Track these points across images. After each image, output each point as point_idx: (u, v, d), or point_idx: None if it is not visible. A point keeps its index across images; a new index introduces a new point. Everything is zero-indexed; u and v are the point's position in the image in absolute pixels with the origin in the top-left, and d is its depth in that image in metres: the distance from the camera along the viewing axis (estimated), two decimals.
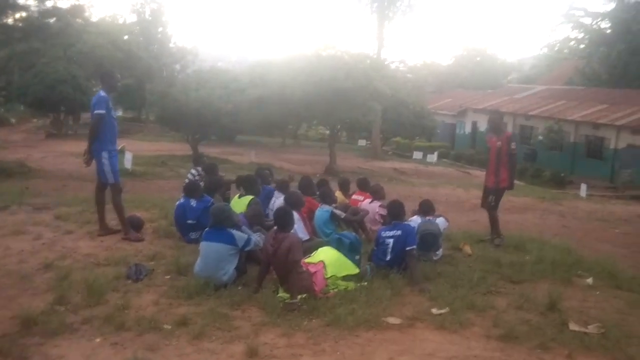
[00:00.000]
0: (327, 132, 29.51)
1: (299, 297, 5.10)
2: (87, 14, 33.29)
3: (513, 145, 7.81)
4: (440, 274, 6.19)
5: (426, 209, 7.15)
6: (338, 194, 8.61)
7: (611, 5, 41.87)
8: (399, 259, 6.02)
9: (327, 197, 7.74)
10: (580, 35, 55.10)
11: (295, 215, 6.21)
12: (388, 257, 6.08)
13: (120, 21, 44.48)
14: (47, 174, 16.08)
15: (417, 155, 34.09)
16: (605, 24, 44.90)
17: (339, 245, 6.21)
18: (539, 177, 27.94)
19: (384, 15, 34.82)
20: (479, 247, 7.60)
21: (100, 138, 6.95)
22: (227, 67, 31.25)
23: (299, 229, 6.67)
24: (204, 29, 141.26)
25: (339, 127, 26.34)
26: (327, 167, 23.53)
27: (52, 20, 23.25)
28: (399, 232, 6.10)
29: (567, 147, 31.11)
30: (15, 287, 5.40)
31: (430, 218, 7.00)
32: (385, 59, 37.31)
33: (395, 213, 6.38)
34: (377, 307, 5.08)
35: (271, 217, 7.41)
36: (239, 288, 5.50)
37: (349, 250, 6.15)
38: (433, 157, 32.84)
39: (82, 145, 7.35)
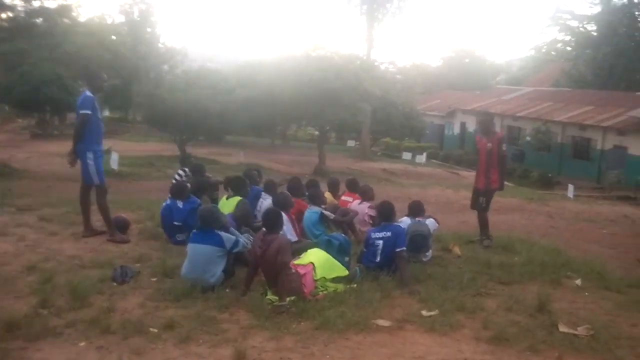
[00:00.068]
0: (316, 132, 29.47)
1: (288, 299, 5.04)
2: (74, 14, 33.02)
3: (504, 147, 7.80)
4: (430, 275, 6.15)
5: (416, 210, 7.11)
6: (327, 195, 8.56)
7: (597, 9, 42.29)
8: (389, 260, 5.97)
9: (316, 198, 7.68)
10: (567, 38, 55.49)
11: (284, 216, 6.16)
12: (378, 259, 6.04)
13: (109, 21, 44.05)
14: (32, 174, 15.91)
15: (406, 155, 34.15)
16: (591, 27, 45.28)
17: (328, 246, 6.16)
18: (526, 178, 28.12)
19: (373, 16, 34.93)
20: (468, 248, 7.59)
21: (85, 138, 6.85)
22: (216, 68, 31.10)
23: (288, 231, 6.61)
24: (194, 29, 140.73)
25: (328, 127, 26.30)
26: (316, 167, 23.50)
27: (39, 21, 23.02)
28: (388, 234, 6.05)
29: (555, 148, 31.35)
30: None
31: (420, 219, 6.97)
32: (375, 60, 37.33)
33: (385, 214, 6.34)
34: (367, 309, 5.03)
35: (259, 218, 7.37)
36: (227, 290, 5.43)
37: (339, 251, 6.11)
38: (422, 158, 32.91)
39: (67, 146, 7.24)
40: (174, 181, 9.24)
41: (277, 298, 5.08)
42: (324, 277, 5.49)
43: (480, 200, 7.98)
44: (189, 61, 42.26)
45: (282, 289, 5.08)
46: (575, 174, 28.42)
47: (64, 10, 26.73)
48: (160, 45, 44.76)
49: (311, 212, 7.46)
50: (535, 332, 4.70)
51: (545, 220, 12.55)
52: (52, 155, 20.56)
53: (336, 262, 5.75)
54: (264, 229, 5.57)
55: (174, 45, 45.64)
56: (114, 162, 16.23)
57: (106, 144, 8.02)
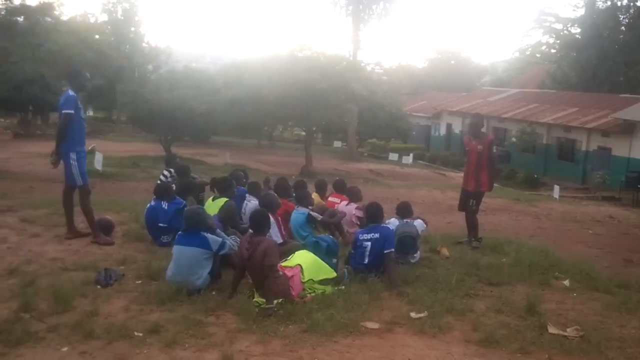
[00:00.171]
0: (303, 133, 29.40)
1: (275, 302, 4.97)
2: (56, 12, 32.72)
3: (495, 150, 7.79)
4: (419, 277, 6.12)
5: (404, 211, 7.07)
6: (315, 196, 8.51)
7: (581, 12, 42.78)
8: (377, 262, 5.93)
9: (303, 199, 7.62)
10: (551, 40, 56.18)
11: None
12: (366, 261, 5.98)
13: (92, 20, 43.75)
14: (13, 175, 15.65)
15: (393, 156, 34.22)
16: (575, 30, 45.82)
17: (315, 248, 6.10)
18: (512, 179, 28.29)
19: (359, 18, 35.01)
20: (456, 249, 7.57)
21: (68, 138, 6.72)
22: (201, 68, 30.94)
23: (273, 232, 6.52)
24: (178, 29, 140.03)
25: (314, 128, 26.26)
26: (303, 168, 23.44)
27: (20, 19, 22.73)
28: (376, 235, 6.01)
29: (540, 149, 31.59)
30: None
31: (408, 220, 6.93)
32: (361, 61, 37.39)
33: (373, 215, 6.29)
34: (356, 311, 4.98)
35: (244, 220, 7.29)
36: (213, 293, 5.35)
37: (326, 253, 6.05)
38: (409, 159, 33.00)
39: (50, 146, 7.13)
40: (159, 182, 9.14)
41: (264, 301, 5.01)
42: (312, 279, 5.43)
43: (471, 203, 7.96)
44: (173, 61, 42.03)
45: (269, 292, 5.00)
46: (561, 174, 28.66)
47: (45, 9, 26.44)
48: (144, 44, 44.40)
49: (298, 213, 7.39)
50: (525, 334, 4.68)
51: (532, 221, 12.60)
52: (34, 155, 20.26)
53: (324, 263, 5.69)
54: (250, 230, 5.49)
55: (158, 45, 45.29)
56: (97, 162, 16.05)
57: (89, 144, 7.88)
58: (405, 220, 6.94)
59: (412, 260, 6.64)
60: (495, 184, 8.21)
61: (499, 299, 5.53)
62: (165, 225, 7.01)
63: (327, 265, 5.69)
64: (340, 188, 8.70)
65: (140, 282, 5.69)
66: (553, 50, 55.50)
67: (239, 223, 7.19)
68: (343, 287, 5.55)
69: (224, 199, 7.36)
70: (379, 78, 50.99)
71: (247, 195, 7.93)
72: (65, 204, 7.06)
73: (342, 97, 21.41)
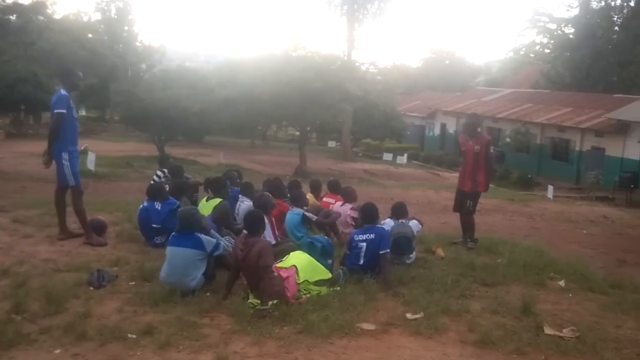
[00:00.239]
0: (297, 133, 29.39)
1: (270, 303, 4.94)
2: (49, 11, 32.53)
3: (492, 150, 7.75)
4: (414, 277, 6.09)
5: (399, 212, 7.04)
6: (309, 197, 8.47)
7: (575, 12, 42.92)
8: (373, 263, 5.90)
9: (298, 200, 7.57)
10: (545, 40, 56.35)
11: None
12: (361, 261, 5.96)
13: (85, 19, 43.53)
14: (5, 175, 15.56)
15: (387, 156, 34.25)
16: (569, 30, 45.97)
17: (310, 249, 6.07)
18: (506, 179, 28.34)
19: (354, 17, 35.01)
20: (451, 250, 7.54)
21: (60, 138, 6.66)
22: (194, 67, 30.85)
23: (267, 234, 6.48)
24: (172, 28, 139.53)
25: (309, 128, 26.23)
26: (297, 168, 23.42)
27: (12, 17, 22.59)
28: (372, 236, 5.98)
29: (534, 149, 31.69)
30: None
31: (404, 221, 6.90)
32: (356, 61, 37.39)
33: (368, 216, 6.27)
34: (351, 312, 4.96)
35: (237, 221, 7.25)
36: (207, 295, 5.31)
37: (321, 254, 6.02)
38: (403, 159, 33.02)
39: (42, 146, 7.07)
40: (152, 182, 9.08)
41: (259, 302, 4.97)
42: (307, 280, 5.39)
43: (468, 204, 7.91)
44: (167, 60, 41.87)
45: (264, 293, 4.97)
46: (554, 174, 28.76)
47: (38, 7, 26.27)
48: (137, 43, 44.20)
49: (293, 213, 7.35)
50: (521, 335, 4.66)
51: (527, 221, 12.63)
52: (26, 155, 20.15)
53: (319, 264, 5.66)
54: (245, 231, 5.45)
55: (151, 44, 45.10)
56: (90, 162, 15.97)
57: (82, 143, 7.82)
58: (400, 220, 6.91)
59: (408, 261, 6.61)
60: (490, 185, 8.18)
61: (494, 300, 5.52)
62: (158, 226, 6.96)
63: (322, 266, 5.65)
64: (335, 188, 8.66)
65: (133, 283, 5.65)
66: (547, 50, 55.68)
67: (233, 224, 7.15)
68: (338, 288, 5.52)
69: (218, 200, 7.32)
70: (374, 78, 51.03)
71: (240, 196, 7.88)
72: (57, 204, 6.99)
73: (336, 97, 21.40)
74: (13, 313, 4.72)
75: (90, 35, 38.46)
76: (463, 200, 7.95)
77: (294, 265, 5.39)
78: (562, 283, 6.22)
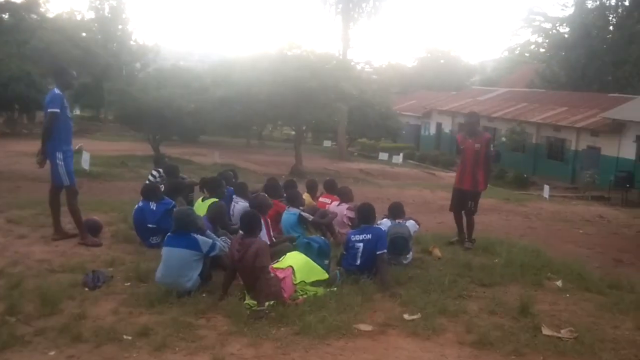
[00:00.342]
0: (293, 132, 29.36)
1: (267, 304, 4.90)
2: (42, 9, 32.39)
3: (492, 148, 7.73)
4: (411, 278, 6.07)
5: (396, 212, 7.02)
6: (306, 196, 8.44)
7: (570, 11, 43.01)
8: (370, 263, 5.87)
9: (294, 200, 7.55)
10: (540, 40, 56.46)
11: None
12: (358, 262, 5.93)
13: (78, 18, 43.35)
14: None
15: (383, 156, 34.25)
16: (563, 29, 46.06)
17: (307, 249, 6.02)
18: (502, 178, 28.37)
19: (349, 16, 34.95)
20: (448, 250, 7.52)
21: (54, 138, 6.61)
22: (189, 66, 30.76)
23: (261, 234, 6.44)
24: (166, 27, 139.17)
25: (304, 127, 26.20)
26: (293, 168, 23.39)
27: (5, 16, 22.44)
28: (369, 236, 5.95)
29: (529, 148, 31.75)
30: None
31: (400, 221, 6.87)
32: (351, 60, 37.34)
33: (365, 216, 6.24)
34: (348, 313, 4.92)
35: (233, 221, 7.21)
36: (203, 295, 5.28)
37: (318, 254, 5.97)
38: (398, 158, 33.03)
39: (36, 145, 7.02)
40: (147, 182, 9.03)
41: (255, 303, 4.94)
42: (304, 281, 5.36)
43: (469, 204, 7.87)
44: (161, 59, 41.77)
45: (260, 294, 4.94)
46: (550, 174, 28.82)
47: (31, 6, 26.13)
48: (131, 42, 44.06)
49: (289, 213, 7.33)
50: (519, 335, 4.64)
51: (523, 221, 12.63)
52: (20, 154, 20.05)
53: (316, 265, 5.62)
54: (241, 231, 5.42)
55: (145, 43, 44.96)
56: (85, 162, 15.89)
57: (76, 143, 7.77)
58: (397, 220, 6.89)
59: (405, 261, 6.58)
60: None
61: (492, 300, 5.49)
62: (154, 226, 6.91)
63: (319, 267, 5.62)
64: (331, 188, 8.64)
65: (129, 284, 5.61)
66: (542, 50, 55.79)
67: (229, 223, 7.11)
68: (335, 288, 5.49)
69: (214, 200, 7.27)
70: (369, 77, 51.02)
71: (234, 196, 7.84)
72: (51, 204, 6.94)
73: (331, 96, 21.37)
74: (7, 314, 4.67)
75: (84, 34, 38.30)
76: (461, 199, 7.92)
77: (291, 266, 5.36)
78: (559, 283, 6.20)
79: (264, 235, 6.42)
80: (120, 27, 43.13)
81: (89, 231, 7.01)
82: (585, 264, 7.50)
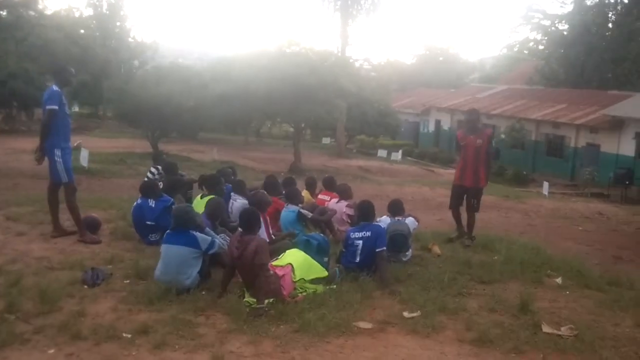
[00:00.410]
0: (291, 129, 29.32)
1: (266, 301, 4.90)
2: (40, 6, 32.27)
3: (493, 144, 7.70)
4: (411, 275, 6.06)
5: (396, 209, 7.00)
6: (305, 194, 8.42)
7: (569, 8, 42.94)
8: (369, 260, 5.86)
9: (293, 197, 7.53)
10: (539, 37, 56.36)
11: None
12: (357, 259, 5.92)
13: (76, 15, 43.16)
14: None
15: (382, 153, 34.21)
16: (562, 26, 45.97)
17: (306, 246, 6.02)
18: (501, 175, 28.35)
19: (347, 13, 34.81)
20: (447, 247, 7.51)
21: (52, 135, 6.59)
22: (188, 63, 30.67)
23: (260, 232, 6.42)
24: (164, 24, 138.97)
25: (303, 124, 26.15)
26: (291, 165, 23.35)
27: (3, 13, 22.35)
28: (368, 233, 5.94)
29: (529, 145, 31.72)
30: None
31: (400, 218, 6.86)
32: (350, 57, 37.25)
33: (365, 214, 6.23)
34: (347, 311, 4.92)
35: (231, 219, 7.19)
36: (203, 293, 5.26)
37: (317, 252, 5.97)
38: (397, 155, 32.99)
39: (35, 142, 7.00)
40: (146, 179, 9.01)
41: (255, 300, 4.93)
42: (303, 279, 5.36)
43: (472, 202, 7.84)
44: (160, 57, 41.61)
45: (260, 291, 4.92)
46: (549, 171, 28.84)
47: (29, 3, 26.02)
48: (130, 39, 43.93)
49: (288, 211, 7.32)
50: (518, 333, 4.64)
51: (522, 218, 12.64)
52: (19, 151, 20.02)
53: (315, 262, 5.62)
54: (240, 229, 5.40)
55: (144, 40, 44.83)
56: (83, 159, 15.88)
57: (75, 140, 7.74)
58: (396, 218, 6.88)
59: (404, 259, 6.58)
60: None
61: (491, 298, 5.49)
62: (152, 223, 6.90)
63: (318, 264, 5.62)
64: (330, 185, 8.62)
65: (128, 281, 5.59)
66: (541, 47, 55.68)
67: (228, 221, 7.09)
68: (334, 286, 5.48)
69: (212, 197, 7.25)
70: (368, 74, 50.92)
71: (232, 194, 7.82)
72: (50, 201, 6.92)
73: (330, 93, 21.32)
74: (6, 312, 4.65)
75: (82, 31, 38.11)
76: (461, 195, 7.89)
77: (290, 264, 5.35)
78: (559, 280, 6.20)
79: (263, 233, 6.41)
80: (118, 24, 43.00)
81: (88, 228, 6.98)
82: (585, 261, 7.50)
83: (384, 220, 6.76)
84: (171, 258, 5.35)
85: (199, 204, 7.15)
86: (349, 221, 7.57)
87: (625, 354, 4.38)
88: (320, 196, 8.56)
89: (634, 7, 36.15)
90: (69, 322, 4.49)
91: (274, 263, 5.33)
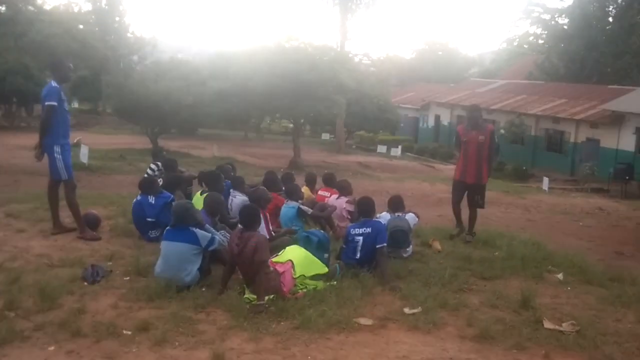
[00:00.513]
0: (291, 125, 29.30)
1: (267, 298, 4.88)
2: (39, 1, 32.16)
3: (497, 140, 7.67)
4: (411, 271, 6.05)
5: (396, 205, 6.99)
6: (305, 190, 8.40)
7: (569, 2, 42.81)
8: (369, 257, 5.85)
9: (293, 193, 7.51)
10: (539, 31, 56.23)
11: None
12: (358, 255, 5.90)
13: (75, 10, 43.08)
14: None
15: (381, 149, 34.21)
16: (562, 20, 45.89)
17: (306, 243, 6.00)
18: (501, 171, 28.30)
19: (346, 7, 34.80)
20: (448, 243, 7.50)
21: (51, 131, 6.55)
22: (187, 59, 30.63)
23: (260, 229, 6.41)
24: (163, 19, 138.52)
25: (302, 120, 26.12)
26: (291, 161, 23.33)
27: (1, 8, 22.26)
28: (368, 230, 5.92)
29: (528, 140, 31.69)
30: None
31: (400, 214, 6.84)
32: (349, 52, 37.19)
33: (365, 210, 6.21)
34: (348, 307, 4.91)
35: (231, 215, 7.17)
36: (203, 290, 5.25)
37: (317, 248, 5.94)
38: (397, 151, 32.99)
39: (35, 138, 6.97)
40: (145, 176, 8.99)
41: (255, 297, 4.92)
42: (304, 275, 5.33)
43: (476, 198, 7.80)
44: (159, 52, 41.55)
45: (260, 288, 4.91)
46: (549, 166, 28.80)
47: None
48: (129, 35, 43.85)
49: (288, 207, 7.29)
50: (520, 329, 4.62)
51: (522, 214, 12.61)
52: (19, 148, 19.97)
53: (315, 259, 5.59)
54: (240, 225, 5.38)
55: (143, 36, 44.75)
56: (83, 155, 15.85)
57: (74, 136, 7.71)
58: (397, 214, 6.86)
59: (405, 255, 6.57)
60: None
61: (492, 294, 5.47)
62: (152, 219, 6.88)
63: (318, 261, 5.59)
64: (330, 181, 8.60)
65: (128, 278, 5.58)
66: (541, 41, 55.58)
67: (228, 217, 7.08)
68: (335, 282, 5.47)
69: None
70: (367, 69, 50.85)
71: (231, 190, 7.80)
72: (50, 198, 6.89)
73: (330, 89, 21.27)
74: (6, 310, 4.63)
75: (81, 27, 38.01)
76: (463, 192, 7.85)
77: (290, 260, 5.33)
78: (560, 276, 6.18)
79: (263, 229, 6.40)
80: (117, 19, 42.92)
81: (88, 225, 6.96)
82: (586, 256, 7.46)
83: (384, 217, 6.75)
84: (171, 255, 5.34)
85: (199, 201, 7.11)
86: (349, 217, 7.54)
87: (628, 349, 4.37)
88: (320, 192, 8.54)
89: (634, 1, 36.03)
90: (69, 320, 4.47)
91: (274, 259, 5.32)
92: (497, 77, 46.48)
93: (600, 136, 27.14)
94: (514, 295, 5.39)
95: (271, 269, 5.09)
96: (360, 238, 5.93)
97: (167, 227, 5.60)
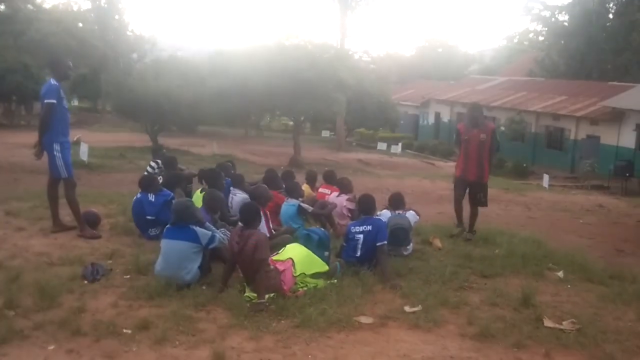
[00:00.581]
0: (291, 123, 29.28)
1: (267, 296, 4.88)
2: (38, 0, 32.13)
3: (498, 138, 7.66)
4: (412, 269, 6.03)
5: (396, 203, 6.97)
6: (305, 187, 8.39)
7: None
8: (370, 254, 5.84)
9: (293, 191, 7.50)
10: (539, 28, 56.14)
11: None
12: (358, 253, 5.90)
13: (74, 8, 43.05)
14: None
15: (382, 146, 34.18)
16: (562, 17, 45.79)
17: (307, 241, 5.98)
18: (501, 168, 28.26)
19: (346, 4, 34.75)
20: (448, 240, 7.48)
21: (51, 129, 6.55)
22: (186, 57, 30.61)
23: (260, 227, 6.40)
24: (163, 17, 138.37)
25: (302, 118, 26.10)
26: (291, 158, 23.32)
27: (1, 7, 22.25)
28: (369, 227, 5.92)
29: (529, 137, 31.64)
30: None
31: (401, 212, 6.83)
32: (349, 49, 37.17)
33: (366, 207, 6.20)
34: (348, 306, 4.90)
35: (232, 213, 7.16)
36: (203, 288, 5.24)
37: (318, 246, 5.93)
38: (397, 148, 32.96)
39: (34, 137, 6.97)
40: (145, 174, 8.99)
41: (255, 295, 4.91)
42: (304, 273, 5.32)
43: (479, 196, 7.78)
44: (158, 50, 41.51)
45: (260, 286, 4.90)
46: (549, 163, 28.75)
47: None
48: (128, 33, 43.81)
49: (289, 205, 7.28)
50: (520, 328, 4.61)
51: (523, 211, 12.59)
52: (18, 146, 19.95)
53: (316, 257, 5.58)
54: (240, 223, 5.37)
55: (142, 34, 44.71)
56: (83, 153, 15.85)
57: (74, 134, 7.70)
58: (397, 211, 6.85)
59: (405, 253, 6.56)
60: None
61: (493, 292, 5.46)
62: (152, 217, 6.86)
63: (319, 259, 5.58)
64: (330, 179, 8.59)
65: (128, 276, 5.56)
66: (541, 38, 55.49)
67: (228, 215, 7.07)
68: (335, 280, 5.46)
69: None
70: (367, 66, 50.78)
71: (231, 188, 7.79)
72: (50, 196, 6.89)
73: (330, 87, 21.25)
74: (6, 308, 4.63)
75: (80, 25, 38.01)
76: (465, 188, 7.82)
77: (291, 258, 5.31)
78: (560, 274, 6.18)
79: (263, 227, 6.39)
80: (116, 17, 42.88)
81: (88, 223, 6.96)
82: (587, 254, 7.44)
83: (384, 214, 6.73)
84: (171, 253, 5.33)
85: (199, 198, 7.11)
86: (350, 215, 7.53)
87: (628, 347, 4.36)
88: (320, 190, 8.53)
89: None
90: (69, 318, 4.47)
91: (274, 258, 5.31)
92: (497, 74, 46.39)
93: (600, 133, 27.10)
94: (514, 293, 5.38)
95: (271, 267, 5.08)
96: (361, 236, 5.92)
97: (167, 225, 5.58)
